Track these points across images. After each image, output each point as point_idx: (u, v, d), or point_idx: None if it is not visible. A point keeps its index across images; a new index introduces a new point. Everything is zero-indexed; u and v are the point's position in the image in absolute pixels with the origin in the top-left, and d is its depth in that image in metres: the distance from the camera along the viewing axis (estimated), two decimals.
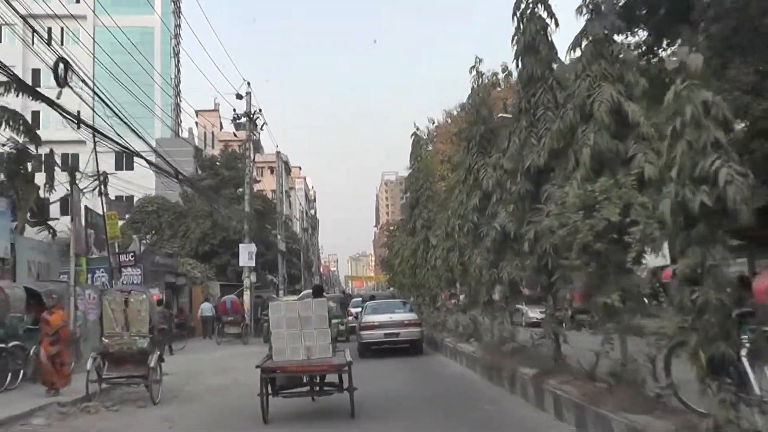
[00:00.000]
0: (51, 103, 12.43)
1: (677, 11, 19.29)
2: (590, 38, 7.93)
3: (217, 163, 43.85)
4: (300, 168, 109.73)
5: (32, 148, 22.98)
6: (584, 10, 8.14)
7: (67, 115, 13.61)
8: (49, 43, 17.44)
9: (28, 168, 23.56)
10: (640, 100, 7.56)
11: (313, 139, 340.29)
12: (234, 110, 30.57)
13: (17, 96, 20.24)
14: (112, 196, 37.17)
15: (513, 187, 9.40)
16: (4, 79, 16.02)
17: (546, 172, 9.33)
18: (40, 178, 24.27)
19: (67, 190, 17.94)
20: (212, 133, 58.85)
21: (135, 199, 41.36)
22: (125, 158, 46.11)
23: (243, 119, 30.14)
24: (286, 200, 70.11)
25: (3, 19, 16.40)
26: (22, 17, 16.06)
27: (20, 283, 15.18)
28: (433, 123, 54.73)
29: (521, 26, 9.95)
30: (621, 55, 7.94)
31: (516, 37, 10.04)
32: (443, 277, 19.34)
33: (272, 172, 45.77)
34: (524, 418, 8.76)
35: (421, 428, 8.79)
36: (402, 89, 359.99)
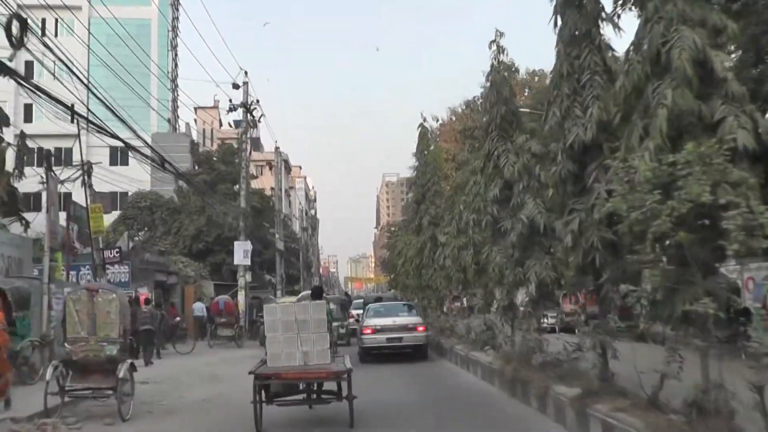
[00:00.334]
0: (41, 91, 11.91)
1: None
2: None
3: (214, 158, 42.22)
4: (300, 167, 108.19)
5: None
6: None
7: (58, 105, 13.05)
8: (42, 35, 17.73)
9: None
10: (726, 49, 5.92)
11: (313, 139, 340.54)
12: (230, 101, 28.98)
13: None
14: (106, 192, 35.74)
15: (552, 168, 7.73)
16: None
17: (593, 149, 7.71)
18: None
19: (42, 178, 16.34)
20: (211, 130, 57.37)
21: (129, 195, 39.84)
22: (120, 153, 44.70)
23: (239, 109, 28.47)
24: (286, 199, 68.60)
25: None
26: (11, 9, 14.79)
27: None
28: (437, 121, 53.42)
29: None
30: None
31: None
32: (454, 278, 17.78)
33: (271, 168, 44.11)
34: None
35: None
36: (402, 89, 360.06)
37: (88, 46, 31.19)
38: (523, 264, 10.45)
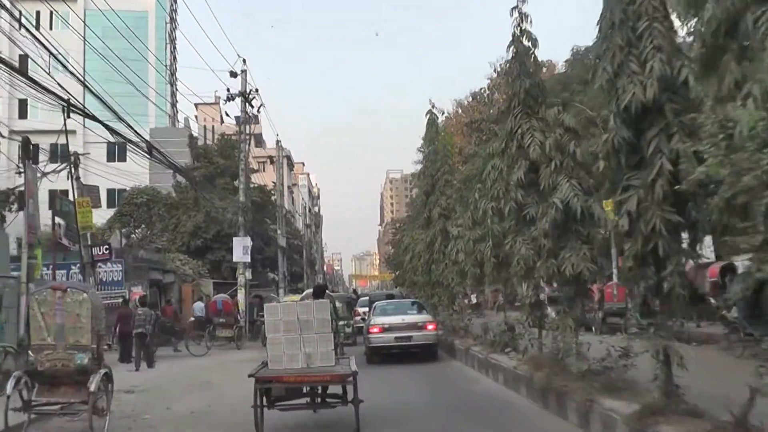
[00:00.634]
0: (36, 84, 11.77)
1: None
2: None
3: (215, 149, 40.85)
4: (303, 164, 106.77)
5: None
6: None
7: (52, 96, 12.73)
8: (37, 28, 16.59)
9: None
10: None
11: (316, 137, 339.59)
12: (228, 90, 27.59)
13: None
14: (103, 189, 34.44)
15: (605, 135, 6.32)
16: None
17: (653, 112, 6.30)
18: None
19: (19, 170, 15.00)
20: (212, 127, 56.15)
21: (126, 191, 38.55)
22: (117, 149, 43.43)
23: (237, 99, 27.08)
24: (289, 196, 67.34)
25: None
26: (3, 5, 13.60)
27: None
28: (443, 113, 52.03)
29: None
30: None
31: None
32: (469, 273, 16.40)
33: (272, 163, 42.77)
34: None
35: None
36: (404, 88, 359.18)
37: (84, 39, 29.90)
38: (557, 255, 9.05)
